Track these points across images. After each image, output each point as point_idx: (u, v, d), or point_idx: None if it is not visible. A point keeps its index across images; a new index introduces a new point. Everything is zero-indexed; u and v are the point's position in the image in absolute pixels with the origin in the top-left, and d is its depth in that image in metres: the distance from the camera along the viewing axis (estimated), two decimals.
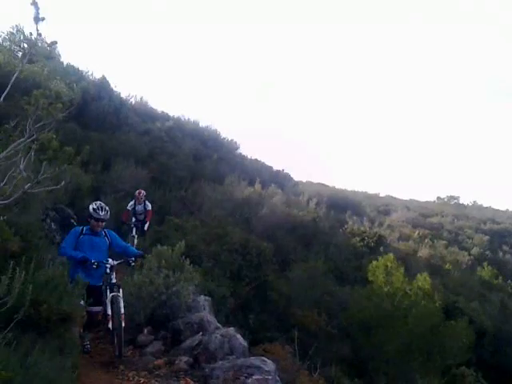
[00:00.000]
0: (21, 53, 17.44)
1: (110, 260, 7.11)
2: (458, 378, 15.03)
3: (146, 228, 14.31)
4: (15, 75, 4.96)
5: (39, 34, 4.68)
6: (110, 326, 6.69)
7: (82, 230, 7.11)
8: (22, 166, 5.01)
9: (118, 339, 6.70)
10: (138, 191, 14.08)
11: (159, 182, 19.71)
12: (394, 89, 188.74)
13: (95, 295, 6.62)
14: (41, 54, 19.41)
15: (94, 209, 7.08)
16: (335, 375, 10.87)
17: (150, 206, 14.34)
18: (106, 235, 7.31)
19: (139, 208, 14.07)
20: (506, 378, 17.58)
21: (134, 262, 7.34)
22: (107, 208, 7.20)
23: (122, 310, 6.71)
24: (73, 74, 22.27)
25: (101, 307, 6.96)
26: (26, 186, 5.02)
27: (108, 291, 6.93)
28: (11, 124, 5.30)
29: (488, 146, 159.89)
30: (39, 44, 4.87)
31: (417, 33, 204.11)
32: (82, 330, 7.08)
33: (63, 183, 5.45)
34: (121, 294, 6.93)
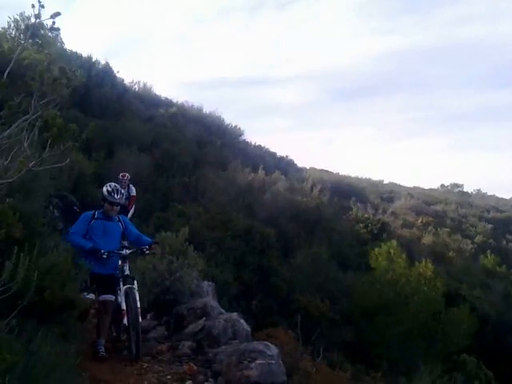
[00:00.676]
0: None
1: (124, 250, 6.49)
2: (459, 365, 15.08)
3: (129, 216, 12.30)
4: (19, 49, 4.92)
5: (42, 6, 4.63)
6: (125, 321, 6.09)
7: (94, 214, 6.48)
8: (26, 144, 4.99)
9: (136, 336, 6.05)
10: (121, 174, 12.46)
11: (162, 168, 19.75)
12: (397, 72, 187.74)
13: (107, 284, 6.25)
14: (43, 39, 19.40)
15: (108, 191, 6.46)
16: (338, 360, 10.92)
17: (134, 191, 12.74)
18: (119, 220, 6.68)
19: (124, 193, 12.41)
20: (507, 365, 17.64)
21: (148, 250, 6.67)
22: (123, 191, 6.76)
23: (138, 304, 6.11)
24: (76, 61, 22.21)
25: (113, 296, 6.31)
26: (31, 164, 5.00)
27: (121, 283, 6.31)
28: (16, 100, 5.25)
29: (493, 133, 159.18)
30: (42, 18, 4.78)
31: None
32: (95, 333, 6.44)
33: (68, 160, 5.42)
34: (136, 286, 6.34)
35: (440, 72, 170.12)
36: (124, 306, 6.12)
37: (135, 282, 6.38)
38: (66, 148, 4.96)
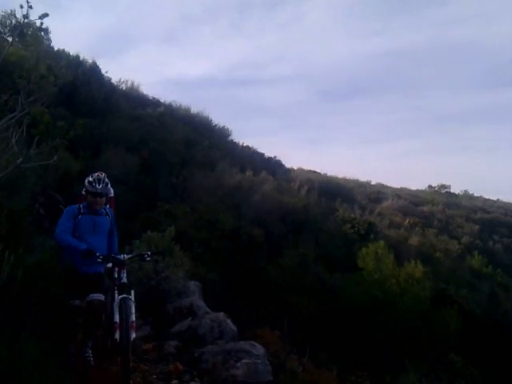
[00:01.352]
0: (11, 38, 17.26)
1: (122, 254, 5.76)
2: (446, 365, 15.17)
3: None
4: (7, 48, 4.91)
5: (30, 7, 4.63)
6: (116, 335, 5.17)
7: (80, 208, 5.72)
8: (13, 141, 4.96)
9: (124, 354, 5.16)
10: (97, 174, 11.02)
11: (150, 168, 19.67)
12: (386, 73, 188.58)
13: (95, 282, 5.62)
14: (31, 38, 19.27)
15: (89, 181, 5.70)
16: (324, 360, 10.95)
17: (111, 192, 9.59)
18: (107, 213, 5.94)
19: None
20: (493, 364, 17.78)
21: (150, 257, 5.88)
22: (107, 180, 5.80)
23: (133, 318, 5.25)
24: (63, 59, 22.08)
25: (102, 295, 5.64)
26: (18, 161, 4.98)
27: (116, 293, 5.47)
28: (3, 98, 5.23)
29: (481, 135, 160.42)
30: (30, 17, 4.77)
31: None
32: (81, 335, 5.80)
33: (55, 158, 5.41)
34: (132, 296, 5.48)
35: (429, 73, 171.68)
36: (117, 319, 5.26)
37: (132, 293, 5.53)
38: (54, 145, 4.95)
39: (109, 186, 5.80)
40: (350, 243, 23.46)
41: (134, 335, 5.16)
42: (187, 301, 8.46)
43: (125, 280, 5.55)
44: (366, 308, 15.73)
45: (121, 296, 5.38)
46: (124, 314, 5.27)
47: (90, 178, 5.73)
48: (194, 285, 9.66)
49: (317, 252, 19.23)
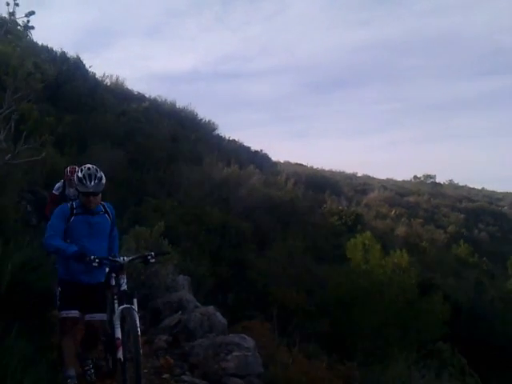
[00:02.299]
0: None
1: (121, 257, 4.81)
2: (434, 353, 15.33)
3: None
4: None
5: (16, 4, 4.63)
6: (119, 355, 4.37)
7: (72, 207, 4.74)
8: (1, 137, 4.95)
9: (136, 375, 4.18)
10: (70, 168, 8.68)
11: (136, 163, 19.61)
12: (371, 64, 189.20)
13: (96, 297, 4.78)
14: (14, 34, 19.07)
15: (79, 178, 4.66)
16: (314, 351, 11.01)
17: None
18: (106, 211, 4.95)
19: (71, 193, 8.66)
20: (480, 351, 18.00)
21: (154, 258, 4.91)
22: (100, 174, 4.73)
23: (139, 331, 4.34)
24: (47, 55, 21.89)
25: (105, 314, 4.86)
26: (7, 157, 4.96)
27: (116, 303, 4.63)
28: None
29: (465, 124, 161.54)
30: (16, 15, 4.76)
31: None
32: (80, 349, 4.97)
33: (44, 154, 5.38)
34: (135, 305, 4.57)
35: (414, 63, 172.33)
36: (119, 334, 4.44)
37: (135, 301, 4.62)
38: (43, 141, 4.94)
39: (103, 180, 4.72)
40: (337, 235, 23.63)
41: (141, 351, 4.26)
42: (176, 295, 8.48)
43: (125, 287, 4.61)
44: (354, 298, 15.85)
45: (122, 306, 4.51)
46: (128, 327, 4.43)
47: (80, 174, 4.66)
48: (183, 279, 9.69)
49: (305, 244, 19.33)
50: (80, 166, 5.08)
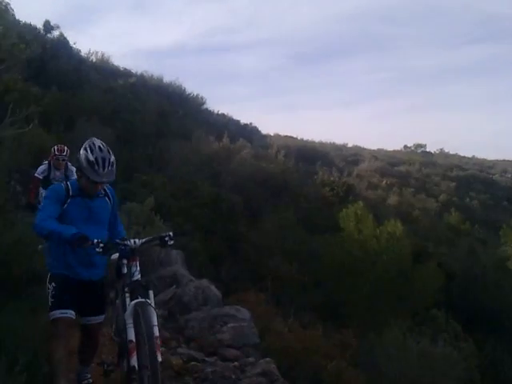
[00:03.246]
0: None
1: (130, 240, 3.85)
2: (428, 320, 15.51)
3: None
4: None
5: None
6: (133, 361, 3.40)
7: (68, 188, 3.81)
8: None
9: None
10: (58, 146, 7.89)
11: (124, 140, 19.44)
12: (359, 33, 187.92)
13: (95, 297, 4.00)
14: None
15: (90, 162, 3.67)
16: (309, 321, 11.10)
17: (74, 173, 6.12)
18: (106, 194, 4.07)
19: (58, 176, 7.94)
20: (474, 318, 18.26)
21: (171, 239, 3.91)
22: (113, 157, 3.85)
23: (156, 331, 3.45)
24: (30, 33, 21.51)
25: (102, 316, 4.08)
26: None
27: (127, 297, 3.67)
28: None
29: (455, 93, 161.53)
30: None
31: None
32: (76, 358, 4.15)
33: (31, 126, 5.26)
34: (151, 299, 3.65)
35: (403, 31, 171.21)
36: (132, 336, 3.50)
37: (151, 294, 3.71)
38: (29, 113, 4.82)
39: (115, 165, 3.83)
40: (329, 206, 23.65)
41: (160, 358, 3.37)
42: (170, 270, 8.47)
43: (138, 276, 3.72)
44: (348, 267, 15.95)
45: (135, 301, 3.57)
46: (143, 326, 3.47)
47: (90, 156, 3.68)
48: (176, 254, 9.66)
49: (297, 216, 19.35)
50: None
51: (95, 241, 3.50)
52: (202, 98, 32.98)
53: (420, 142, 60.01)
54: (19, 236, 5.80)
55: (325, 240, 17.66)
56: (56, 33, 23.73)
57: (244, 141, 26.79)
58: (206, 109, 33.03)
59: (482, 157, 63.51)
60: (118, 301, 4.07)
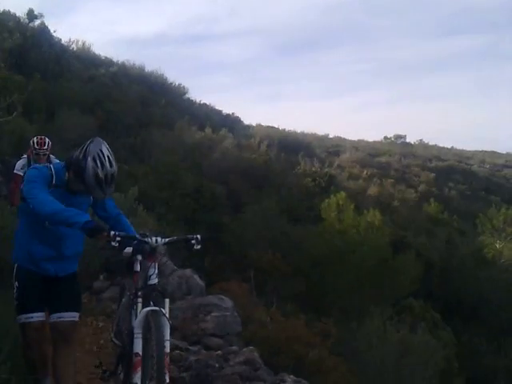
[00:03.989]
0: None
1: (151, 237, 3.21)
2: (407, 309, 15.72)
3: None
4: None
5: None
6: (136, 378, 2.90)
7: (52, 175, 3.24)
8: None
9: None
10: (37, 139, 6.67)
11: (106, 129, 19.30)
12: (341, 24, 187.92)
13: (67, 291, 3.42)
14: None
15: (99, 180, 3.14)
16: (291, 310, 11.21)
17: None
18: None
19: None
20: (452, 307, 18.56)
21: (199, 244, 3.31)
22: (116, 169, 3.30)
23: (167, 346, 2.91)
24: (9, 21, 21.19)
25: (77, 313, 3.41)
26: None
27: (139, 302, 3.09)
28: None
29: (434, 84, 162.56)
30: None
31: None
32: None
33: (15, 114, 5.22)
34: (167, 308, 3.04)
35: (383, 23, 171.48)
36: (139, 348, 2.97)
37: (166, 303, 3.10)
38: (13, 101, 4.79)
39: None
40: (311, 196, 23.78)
41: (168, 379, 2.82)
42: None
43: (155, 280, 3.15)
44: (329, 257, 16.09)
45: (148, 308, 2.99)
46: (153, 339, 2.94)
47: (101, 173, 3.13)
48: None
49: (279, 206, 19.43)
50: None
51: (112, 233, 2.94)
52: (184, 88, 32.85)
53: (400, 133, 60.33)
54: (1, 226, 5.79)
55: (307, 230, 17.79)
56: (37, 21, 23.42)
57: (226, 131, 26.78)
58: (189, 98, 32.89)
59: (460, 148, 64.17)
60: (123, 299, 3.66)
